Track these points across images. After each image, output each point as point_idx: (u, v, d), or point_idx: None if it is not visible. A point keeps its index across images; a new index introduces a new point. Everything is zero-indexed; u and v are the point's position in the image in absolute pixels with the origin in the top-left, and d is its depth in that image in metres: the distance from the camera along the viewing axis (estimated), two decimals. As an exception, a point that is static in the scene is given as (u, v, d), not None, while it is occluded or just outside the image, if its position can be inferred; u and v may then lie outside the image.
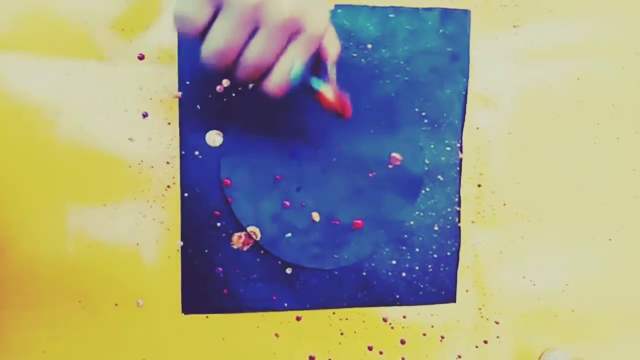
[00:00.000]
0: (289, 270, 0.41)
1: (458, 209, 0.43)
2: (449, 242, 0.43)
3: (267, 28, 0.28)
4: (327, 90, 0.33)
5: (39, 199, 0.38)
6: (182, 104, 0.39)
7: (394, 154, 0.41)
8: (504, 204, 0.43)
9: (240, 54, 0.29)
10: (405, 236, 0.42)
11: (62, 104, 0.38)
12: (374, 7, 0.41)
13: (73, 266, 0.39)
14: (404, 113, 0.41)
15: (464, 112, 0.42)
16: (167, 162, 0.40)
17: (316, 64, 0.33)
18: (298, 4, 0.28)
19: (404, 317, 0.43)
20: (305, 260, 0.41)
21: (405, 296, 0.42)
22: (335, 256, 0.41)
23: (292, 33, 0.28)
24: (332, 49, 0.33)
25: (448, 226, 0.43)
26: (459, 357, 0.43)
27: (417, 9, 0.41)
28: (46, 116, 0.38)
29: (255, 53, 0.28)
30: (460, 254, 0.43)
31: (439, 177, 0.42)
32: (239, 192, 0.40)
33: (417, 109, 0.42)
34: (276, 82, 0.30)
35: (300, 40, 0.29)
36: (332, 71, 0.33)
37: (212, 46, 0.28)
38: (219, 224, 0.40)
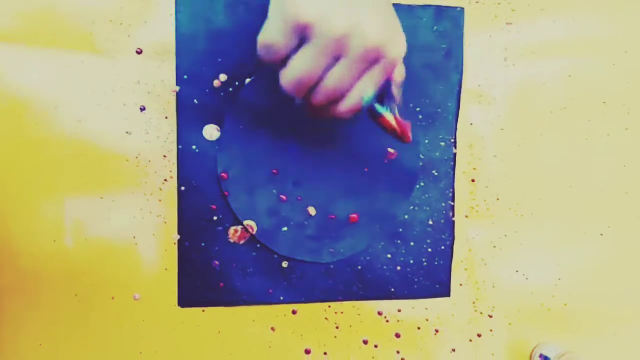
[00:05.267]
0: (284, 264, 0.41)
1: (452, 203, 0.43)
2: (443, 236, 0.43)
3: (350, 58, 0.28)
4: (389, 115, 0.34)
5: (36, 192, 0.39)
6: (180, 98, 0.40)
7: (389, 149, 0.42)
8: (498, 199, 0.44)
9: (318, 80, 0.30)
10: (400, 230, 0.43)
11: (60, 97, 0.38)
12: (369, 4, 0.41)
13: (70, 259, 0.39)
14: (398, 108, 0.42)
15: (458, 108, 0.43)
16: (164, 156, 0.40)
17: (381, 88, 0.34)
18: (383, 33, 0.28)
19: (399, 310, 0.43)
20: (301, 253, 0.41)
21: (399, 290, 0.43)
22: (331, 250, 0.42)
23: (372, 60, 0.29)
24: (399, 74, 0.34)
25: (442, 220, 0.43)
26: (453, 350, 0.44)
27: (411, 6, 0.42)
28: (44, 109, 0.38)
29: (334, 81, 0.29)
30: (454, 248, 0.43)
31: (434, 171, 0.43)
32: (236, 185, 0.40)
33: (411, 105, 0.42)
34: (348, 106, 0.31)
35: (379, 67, 0.30)
36: (398, 94, 0.34)
37: (293, 74, 0.29)
38: (215, 218, 0.41)
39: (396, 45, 0.30)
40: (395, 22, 0.31)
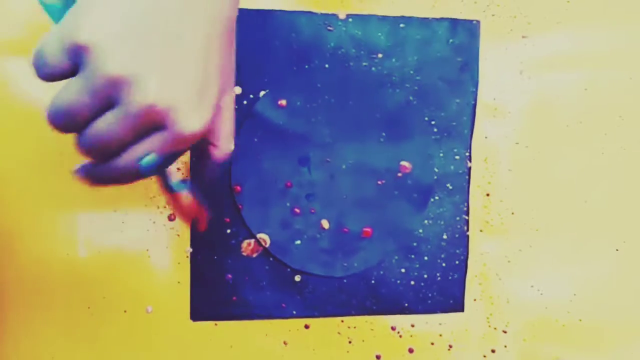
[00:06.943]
0: (297, 278, 0.41)
1: (466, 217, 0.43)
2: (457, 250, 0.43)
3: (123, 108, 0.24)
4: (186, 196, 0.30)
5: (49, 204, 0.39)
6: (194, 111, 0.39)
7: (403, 163, 0.42)
8: (512, 213, 0.43)
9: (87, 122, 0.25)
10: (414, 244, 0.42)
11: (75, 110, 0.38)
12: (384, 17, 0.41)
13: (83, 272, 0.39)
14: (413, 122, 0.42)
15: (473, 122, 0.42)
16: (178, 169, 0.40)
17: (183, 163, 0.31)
18: (173, 97, 0.24)
19: (412, 325, 0.43)
20: (314, 267, 0.41)
21: (413, 304, 0.42)
22: (344, 264, 0.41)
23: (153, 123, 0.24)
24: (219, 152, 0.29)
25: (456, 235, 0.43)
26: (467, 366, 0.43)
27: (427, 19, 0.41)
28: (59, 122, 0.38)
29: (101, 129, 0.24)
30: (468, 263, 0.43)
31: (448, 185, 0.42)
32: (249, 198, 0.40)
33: (426, 118, 0.42)
34: (121, 165, 0.25)
35: (163, 135, 0.25)
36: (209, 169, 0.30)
37: (57, 103, 0.24)
38: (228, 231, 0.40)
39: (187, 119, 0.24)
40: (207, 94, 0.26)
